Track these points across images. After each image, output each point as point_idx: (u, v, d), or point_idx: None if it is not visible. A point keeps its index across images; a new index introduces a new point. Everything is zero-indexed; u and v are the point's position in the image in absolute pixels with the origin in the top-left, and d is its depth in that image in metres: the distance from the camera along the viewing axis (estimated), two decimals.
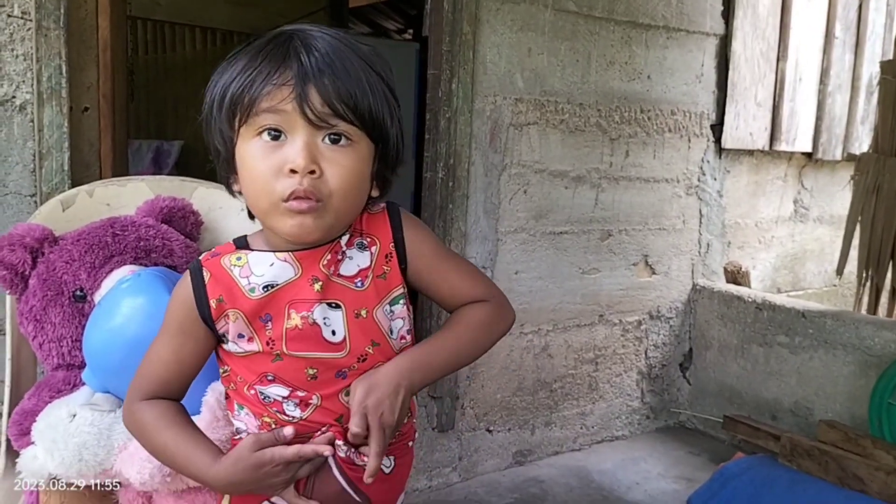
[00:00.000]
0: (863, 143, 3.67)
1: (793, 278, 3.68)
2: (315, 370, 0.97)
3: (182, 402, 1.05)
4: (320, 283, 0.97)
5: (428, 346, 1.03)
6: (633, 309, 3.06)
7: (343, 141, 0.92)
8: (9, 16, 1.75)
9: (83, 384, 1.36)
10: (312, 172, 0.90)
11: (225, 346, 1.00)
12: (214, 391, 1.24)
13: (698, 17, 3.05)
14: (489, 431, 2.73)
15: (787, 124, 3.41)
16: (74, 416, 1.25)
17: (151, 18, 5.41)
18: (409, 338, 1.04)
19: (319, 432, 0.98)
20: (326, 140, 0.91)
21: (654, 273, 3.10)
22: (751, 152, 3.35)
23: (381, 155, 0.98)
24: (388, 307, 1.01)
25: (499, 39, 2.53)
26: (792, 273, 3.67)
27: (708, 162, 3.19)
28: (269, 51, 0.91)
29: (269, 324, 0.96)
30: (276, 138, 0.91)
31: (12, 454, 1.39)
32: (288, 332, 0.96)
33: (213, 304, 0.96)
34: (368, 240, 1.02)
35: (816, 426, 2.57)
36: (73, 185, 1.78)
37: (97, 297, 1.39)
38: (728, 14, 3.14)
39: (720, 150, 3.21)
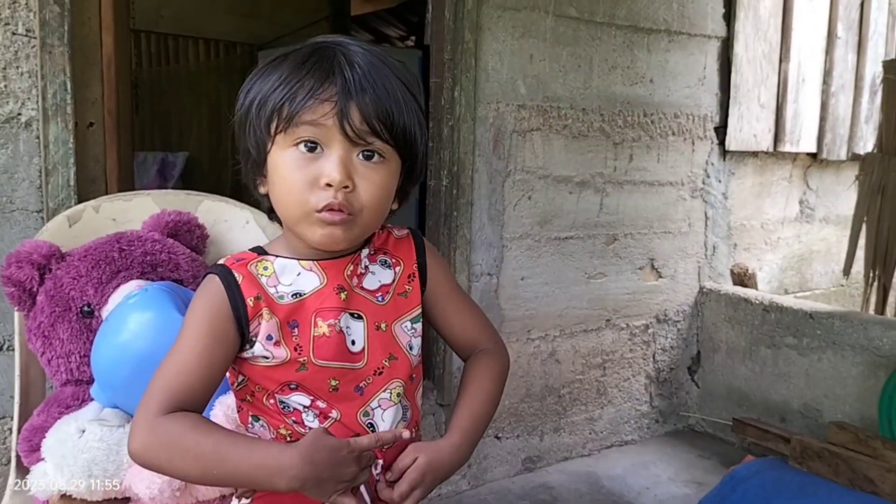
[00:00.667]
0: (867, 142, 3.66)
1: (800, 279, 3.67)
2: (337, 381, 0.98)
3: None
4: (345, 292, 1.00)
5: (475, 416, 1.08)
6: (640, 313, 3.06)
7: (376, 158, 0.95)
8: (13, 34, 1.76)
9: (92, 400, 1.37)
10: (346, 187, 0.93)
11: (245, 354, 0.97)
12: (222, 405, 1.24)
13: (700, 19, 3.05)
14: (498, 438, 2.72)
15: (790, 125, 3.40)
16: (83, 431, 1.26)
17: (155, 31, 5.43)
18: (420, 356, 1.07)
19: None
20: (360, 156, 0.94)
21: (660, 276, 3.10)
22: (755, 154, 3.34)
23: (408, 170, 1.01)
24: (408, 324, 1.05)
25: (500, 47, 2.54)
26: (799, 274, 3.66)
27: (712, 164, 3.18)
28: (314, 63, 0.93)
29: (296, 330, 0.97)
30: (312, 150, 0.93)
31: (23, 470, 1.39)
32: (316, 340, 0.97)
33: (250, 302, 0.96)
34: (393, 260, 1.06)
35: (826, 428, 2.56)
36: (80, 201, 1.79)
37: (105, 312, 1.40)
38: (729, 16, 3.13)
39: (724, 152, 3.21)
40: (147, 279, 1.46)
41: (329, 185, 0.92)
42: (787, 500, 2.34)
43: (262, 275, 0.99)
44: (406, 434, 0.98)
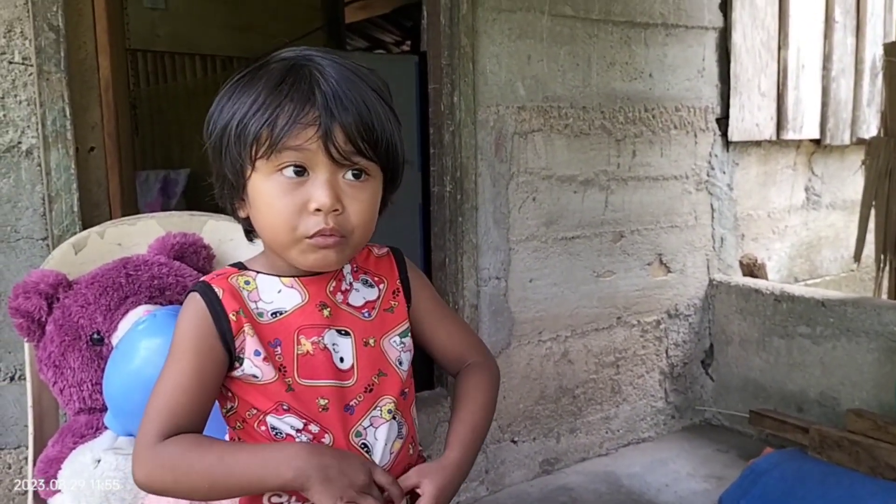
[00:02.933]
0: (870, 126, 3.64)
1: (809, 267, 3.65)
2: (326, 401, 0.96)
3: None
4: (328, 309, 0.99)
5: (474, 428, 1.05)
6: (650, 309, 3.04)
7: (362, 176, 0.94)
8: (10, 62, 1.76)
9: (106, 428, 1.36)
10: (336, 210, 0.91)
11: (236, 373, 0.95)
12: None
13: (696, 11, 3.04)
14: (514, 442, 2.71)
15: (792, 112, 3.38)
16: (99, 461, 1.25)
17: (151, 50, 5.44)
18: (410, 371, 1.05)
19: None
20: (348, 176, 0.93)
21: (669, 271, 3.08)
22: (758, 143, 3.32)
23: (389, 181, 1.00)
24: (397, 339, 1.04)
25: (497, 49, 2.53)
26: (808, 261, 3.64)
27: (716, 156, 3.17)
28: (291, 84, 0.91)
29: (279, 349, 0.96)
30: (298, 174, 0.91)
31: (39, 502, 1.38)
32: (300, 359, 0.96)
33: (232, 316, 0.95)
34: (376, 278, 1.05)
35: (844, 416, 2.54)
36: (84, 226, 1.79)
37: (114, 339, 1.40)
38: (726, 6, 3.12)
39: (727, 143, 3.19)
40: (155, 303, 1.45)
41: (318, 209, 0.90)
42: (808, 492, 2.32)
43: (244, 288, 0.98)
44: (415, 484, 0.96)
